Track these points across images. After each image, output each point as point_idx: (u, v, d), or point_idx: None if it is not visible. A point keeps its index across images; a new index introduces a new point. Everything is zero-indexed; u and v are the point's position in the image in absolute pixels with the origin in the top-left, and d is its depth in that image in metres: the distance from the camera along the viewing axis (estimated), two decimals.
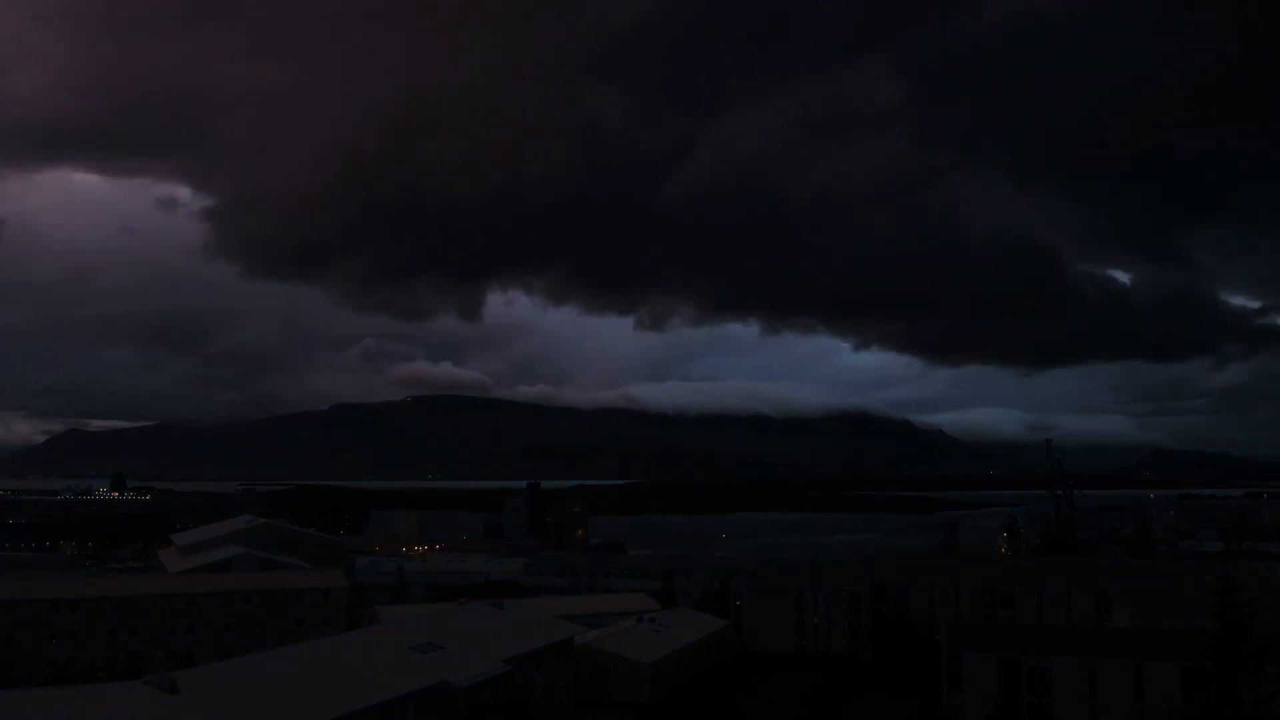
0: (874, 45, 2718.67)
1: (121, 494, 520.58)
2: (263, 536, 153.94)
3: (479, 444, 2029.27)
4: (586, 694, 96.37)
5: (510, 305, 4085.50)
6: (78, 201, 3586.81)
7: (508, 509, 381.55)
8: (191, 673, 70.58)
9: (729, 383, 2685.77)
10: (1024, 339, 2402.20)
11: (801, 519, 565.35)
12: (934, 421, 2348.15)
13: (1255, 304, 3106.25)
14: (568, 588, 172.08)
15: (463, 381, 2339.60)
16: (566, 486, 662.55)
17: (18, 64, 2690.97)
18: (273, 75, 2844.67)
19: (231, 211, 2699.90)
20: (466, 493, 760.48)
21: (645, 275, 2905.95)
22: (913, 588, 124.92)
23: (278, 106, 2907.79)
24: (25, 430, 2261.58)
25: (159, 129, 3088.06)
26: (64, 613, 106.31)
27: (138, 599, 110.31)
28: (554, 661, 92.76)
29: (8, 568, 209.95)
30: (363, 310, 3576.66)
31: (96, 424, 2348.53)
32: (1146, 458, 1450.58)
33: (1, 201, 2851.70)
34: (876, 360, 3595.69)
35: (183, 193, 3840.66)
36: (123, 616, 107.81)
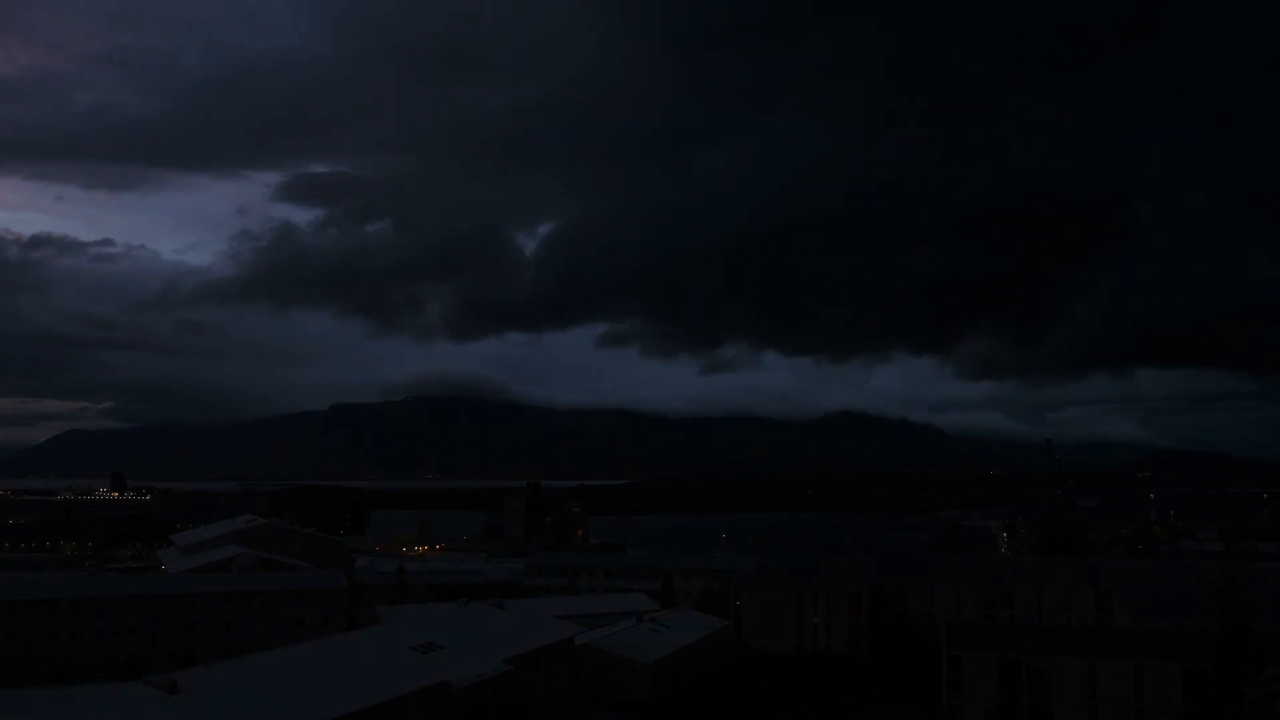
0: None
1: (121, 494, 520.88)
2: (263, 536, 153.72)
3: (479, 444, 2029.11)
4: (586, 694, 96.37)
5: None
6: None
7: (508, 509, 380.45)
8: (191, 673, 70.62)
9: (729, 383, 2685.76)
10: None
11: (801, 519, 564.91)
12: (933, 421, 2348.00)
13: None
14: (568, 588, 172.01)
15: (463, 381, 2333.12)
16: (566, 486, 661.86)
17: None
18: None
19: None
20: (466, 493, 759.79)
21: None
22: (913, 588, 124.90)
23: None
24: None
25: None
26: (64, 613, 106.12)
27: (138, 599, 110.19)
28: (554, 661, 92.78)
29: (8, 568, 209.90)
30: None
31: (96, 424, 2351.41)
32: (1146, 458, 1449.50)
33: None
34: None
35: None
36: (123, 616, 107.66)
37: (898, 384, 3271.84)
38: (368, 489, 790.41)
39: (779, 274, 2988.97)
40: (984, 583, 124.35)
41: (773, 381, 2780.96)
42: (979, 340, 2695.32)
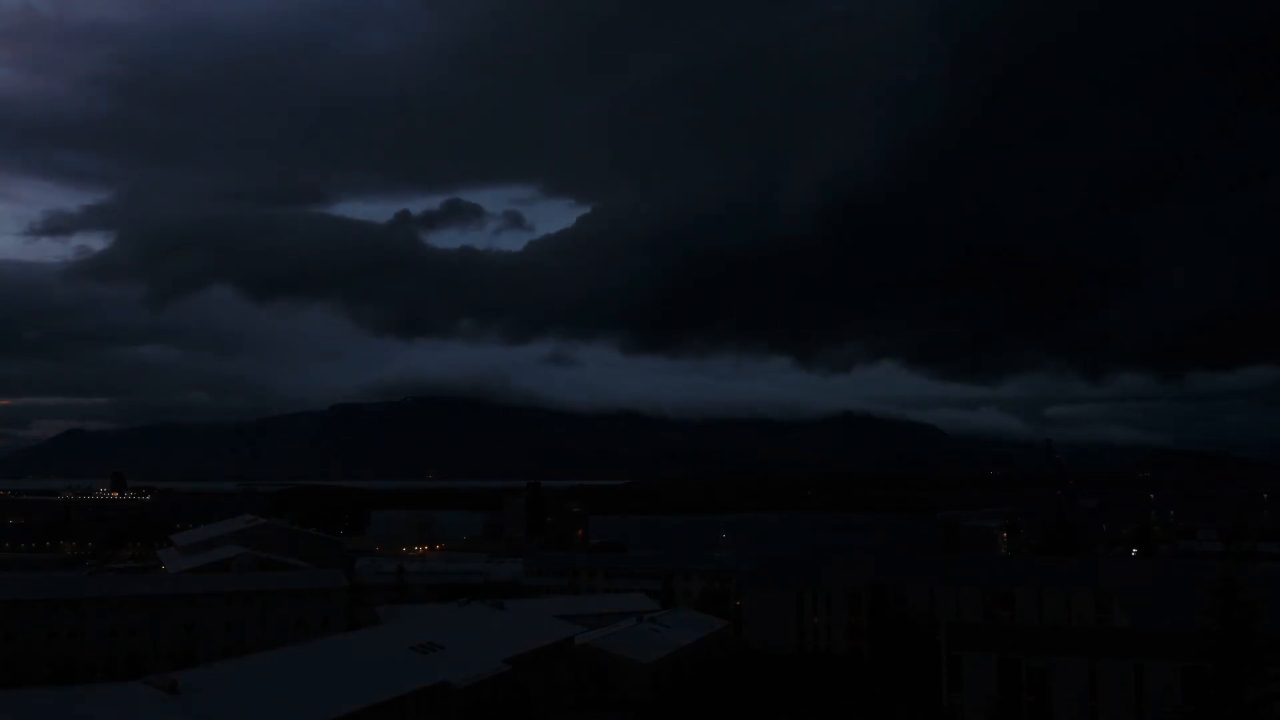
0: None
1: (121, 494, 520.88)
2: (263, 536, 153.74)
3: (479, 444, 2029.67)
4: (586, 694, 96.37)
5: None
6: None
7: (508, 509, 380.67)
8: (191, 673, 70.63)
9: (729, 383, 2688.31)
10: None
11: (801, 519, 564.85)
12: (933, 421, 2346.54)
13: None
14: (568, 588, 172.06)
15: (463, 382, 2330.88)
16: (566, 486, 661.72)
17: None
18: None
19: None
20: (466, 493, 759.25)
21: None
22: (913, 588, 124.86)
23: None
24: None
25: None
26: (64, 613, 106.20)
27: (138, 599, 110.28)
28: (554, 661, 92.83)
29: (8, 568, 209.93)
30: None
31: (96, 424, 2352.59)
32: (1146, 458, 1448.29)
33: None
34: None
35: None
36: (123, 616, 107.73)
37: (898, 384, 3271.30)
38: (368, 489, 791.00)
39: (780, 273, 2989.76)
40: (984, 583, 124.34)
41: (773, 381, 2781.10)
42: (979, 340, 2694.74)
